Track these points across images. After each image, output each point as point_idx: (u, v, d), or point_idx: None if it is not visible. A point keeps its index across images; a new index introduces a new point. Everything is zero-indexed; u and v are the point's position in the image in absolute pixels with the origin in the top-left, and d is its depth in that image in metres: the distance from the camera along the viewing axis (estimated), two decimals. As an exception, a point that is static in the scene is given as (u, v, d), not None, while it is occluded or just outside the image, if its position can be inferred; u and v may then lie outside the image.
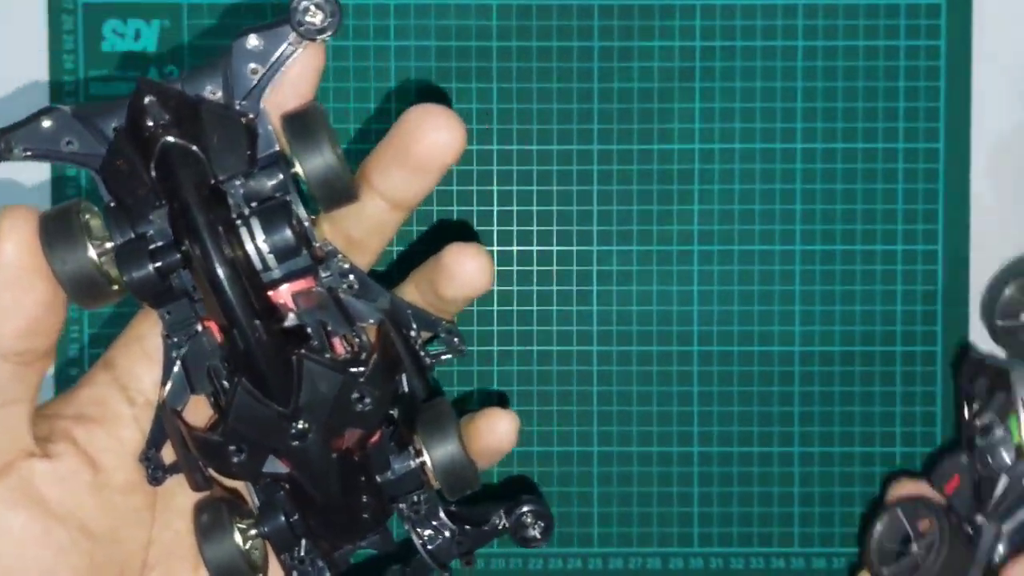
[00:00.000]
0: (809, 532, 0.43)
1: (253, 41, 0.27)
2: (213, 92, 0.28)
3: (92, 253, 0.26)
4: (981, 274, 0.43)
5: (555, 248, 0.42)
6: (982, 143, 0.42)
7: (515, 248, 0.42)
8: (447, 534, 0.30)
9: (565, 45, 0.42)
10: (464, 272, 0.30)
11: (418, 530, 0.30)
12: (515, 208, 0.42)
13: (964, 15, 0.42)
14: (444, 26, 0.42)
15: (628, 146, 0.42)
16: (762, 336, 0.43)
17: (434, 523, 0.30)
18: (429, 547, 0.31)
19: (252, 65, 0.27)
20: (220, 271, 0.26)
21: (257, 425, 0.27)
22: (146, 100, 0.26)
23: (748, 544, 0.43)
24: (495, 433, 0.32)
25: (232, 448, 0.27)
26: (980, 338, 0.43)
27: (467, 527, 0.31)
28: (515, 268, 0.42)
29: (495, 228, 0.42)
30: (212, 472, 0.28)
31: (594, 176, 0.42)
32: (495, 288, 0.42)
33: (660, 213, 0.42)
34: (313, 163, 0.27)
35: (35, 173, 0.42)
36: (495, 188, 0.42)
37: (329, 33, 0.27)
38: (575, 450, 0.43)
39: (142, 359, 0.30)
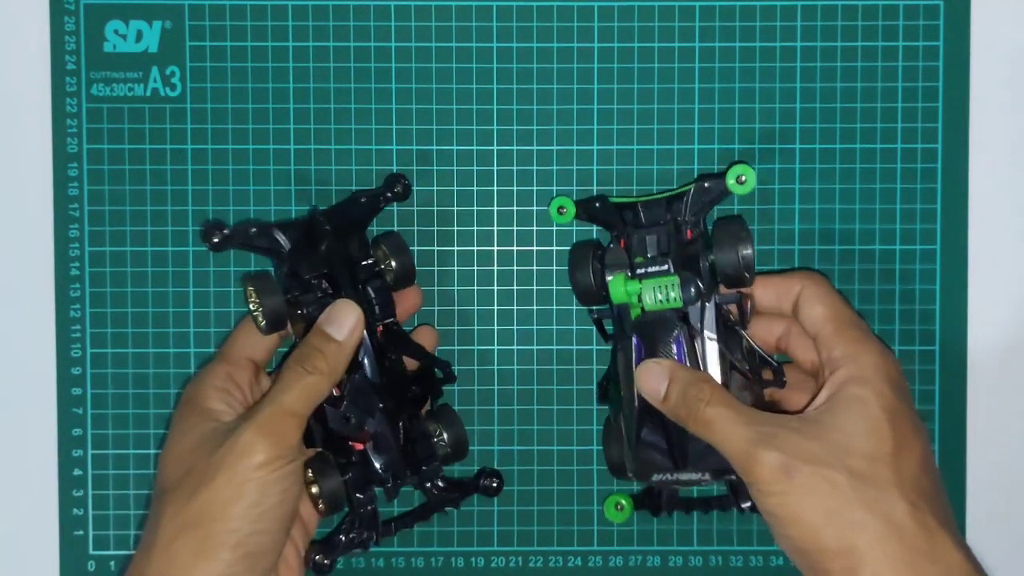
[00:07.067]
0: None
1: None
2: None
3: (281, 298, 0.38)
4: (979, 273, 0.43)
5: (555, 248, 0.43)
6: (980, 143, 0.43)
7: (515, 248, 0.43)
8: (446, 492, 0.41)
9: (565, 46, 0.42)
10: None
11: (429, 488, 0.41)
12: (515, 208, 0.42)
13: (962, 16, 0.42)
14: (445, 27, 0.42)
15: (628, 146, 0.42)
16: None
17: (440, 484, 0.41)
18: (438, 496, 0.41)
19: None
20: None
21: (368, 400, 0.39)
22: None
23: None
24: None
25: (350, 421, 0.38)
26: (979, 337, 0.43)
27: (455, 486, 0.42)
28: (515, 268, 0.43)
29: (495, 228, 0.43)
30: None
31: (594, 176, 0.42)
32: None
33: (660, 213, 0.42)
34: None
35: (37, 182, 0.42)
36: (495, 188, 0.42)
37: None
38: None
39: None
